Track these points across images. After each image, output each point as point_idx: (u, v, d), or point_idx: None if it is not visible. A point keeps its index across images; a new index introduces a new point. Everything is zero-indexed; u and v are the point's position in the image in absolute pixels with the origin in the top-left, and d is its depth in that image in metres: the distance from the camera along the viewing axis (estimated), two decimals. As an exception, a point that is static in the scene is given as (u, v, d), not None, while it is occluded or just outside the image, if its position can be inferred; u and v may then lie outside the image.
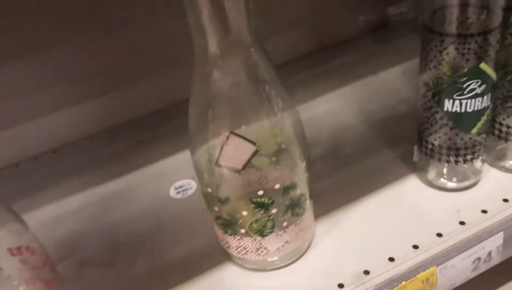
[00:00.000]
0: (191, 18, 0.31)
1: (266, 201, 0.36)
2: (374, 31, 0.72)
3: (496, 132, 0.45)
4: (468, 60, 0.38)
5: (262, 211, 0.36)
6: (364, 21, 0.71)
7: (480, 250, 0.41)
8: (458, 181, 0.44)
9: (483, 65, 0.38)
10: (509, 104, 0.43)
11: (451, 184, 0.45)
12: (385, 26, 0.71)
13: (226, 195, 0.36)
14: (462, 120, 0.40)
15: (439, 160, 0.43)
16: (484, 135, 0.42)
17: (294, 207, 0.37)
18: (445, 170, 0.44)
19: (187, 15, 0.31)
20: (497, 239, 0.42)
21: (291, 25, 0.66)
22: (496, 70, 0.40)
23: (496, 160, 0.46)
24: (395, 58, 0.66)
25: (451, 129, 0.41)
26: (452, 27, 0.37)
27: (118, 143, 0.60)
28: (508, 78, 0.41)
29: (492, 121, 0.44)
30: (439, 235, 0.41)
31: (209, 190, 0.37)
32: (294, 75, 0.65)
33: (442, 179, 0.45)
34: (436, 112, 0.41)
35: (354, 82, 0.63)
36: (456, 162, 0.43)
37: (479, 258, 0.42)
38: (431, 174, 0.45)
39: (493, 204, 0.43)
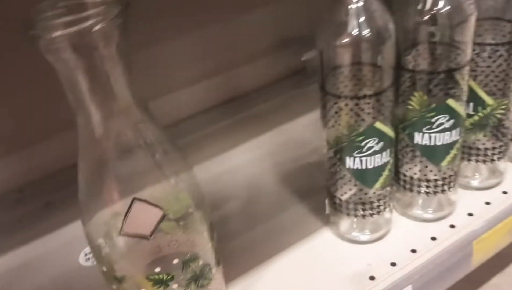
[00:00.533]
0: (70, 95, 0.30)
1: (164, 278, 0.34)
2: (291, 77, 0.73)
3: (402, 182, 0.46)
4: (363, 119, 0.38)
5: (161, 288, 0.34)
6: (281, 66, 0.72)
7: (391, 305, 0.41)
8: (369, 233, 0.45)
9: (378, 124, 0.39)
10: (410, 156, 0.44)
11: (363, 237, 0.45)
12: (302, 71, 0.73)
13: (123, 274, 0.34)
14: (364, 176, 0.41)
15: (348, 214, 0.44)
16: (388, 188, 0.43)
17: (198, 279, 0.36)
18: (355, 224, 0.44)
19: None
20: (407, 292, 0.42)
21: (205, 75, 0.66)
22: (394, 125, 0.41)
23: (405, 209, 0.47)
24: (312, 104, 0.66)
25: (355, 184, 0.41)
26: (346, 89, 0.38)
27: (25, 206, 0.56)
28: (407, 132, 0.42)
29: (397, 172, 0.45)
30: (350, 293, 0.41)
31: (104, 268, 0.34)
32: (208, 125, 0.64)
33: (353, 233, 0.45)
34: (340, 169, 0.41)
35: (270, 131, 0.63)
36: (364, 216, 0.43)
37: (390, 312, 0.42)
38: (343, 227, 0.45)
39: (402, 256, 0.43)
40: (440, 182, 0.44)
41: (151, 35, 0.57)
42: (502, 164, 0.49)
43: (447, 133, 0.41)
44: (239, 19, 0.65)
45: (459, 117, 0.41)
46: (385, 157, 0.40)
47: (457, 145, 0.42)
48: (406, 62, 0.40)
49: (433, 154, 0.42)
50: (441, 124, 0.41)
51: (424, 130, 0.41)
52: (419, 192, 0.45)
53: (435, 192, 0.44)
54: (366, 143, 0.39)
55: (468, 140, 0.47)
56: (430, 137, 0.41)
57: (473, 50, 0.42)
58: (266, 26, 0.68)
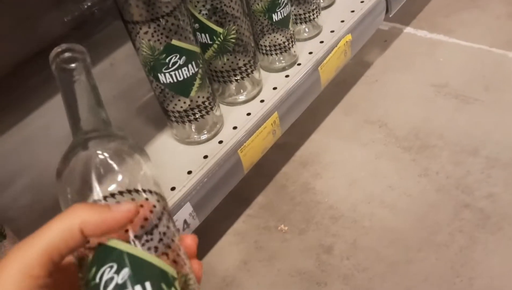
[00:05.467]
0: None
1: None
2: (80, 28, 0.73)
3: (172, 118, 0.51)
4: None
5: None
6: (67, 19, 0.71)
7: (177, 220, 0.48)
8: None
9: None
10: (163, 94, 0.49)
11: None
12: (89, 19, 0.73)
13: None
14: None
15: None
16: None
17: None
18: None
19: None
20: (187, 209, 0.49)
21: None
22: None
23: (183, 138, 0.53)
24: (103, 52, 0.68)
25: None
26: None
27: None
28: (152, 74, 0.47)
29: (165, 111, 0.51)
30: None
31: None
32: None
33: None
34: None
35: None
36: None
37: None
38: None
39: (180, 178, 0.50)
40: (196, 110, 0.50)
41: None
42: (256, 74, 0.56)
43: (184, 68, 0.46)
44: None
45: (190, 53, 0.46)
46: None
47: (199, 76, 0.48)
48: (126, 14, 0.43)
49: (180, 88, 0.48)
50: (175, 62, 0.46)
51: (163, 70, 0.46)
52: (184, 122, 0.51)
53: (196, 119, 0.51)
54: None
55: (218, 66, 0.53)
56: (171, 76, 0.47)
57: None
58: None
